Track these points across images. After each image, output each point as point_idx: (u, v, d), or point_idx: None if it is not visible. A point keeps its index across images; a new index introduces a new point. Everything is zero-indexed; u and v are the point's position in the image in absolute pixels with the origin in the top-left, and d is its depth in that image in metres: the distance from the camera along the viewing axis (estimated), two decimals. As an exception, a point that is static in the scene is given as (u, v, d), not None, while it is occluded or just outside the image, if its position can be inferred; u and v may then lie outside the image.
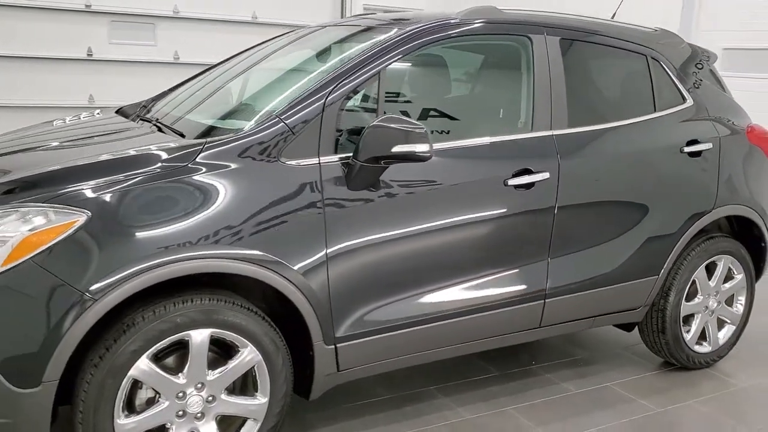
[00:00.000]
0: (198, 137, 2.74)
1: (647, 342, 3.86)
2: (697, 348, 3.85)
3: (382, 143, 2.66)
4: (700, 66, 3.83)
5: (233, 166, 2.60)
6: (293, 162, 2.68)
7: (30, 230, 2.32)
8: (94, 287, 2.33)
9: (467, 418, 3.28)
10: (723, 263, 3.83)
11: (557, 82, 3.26)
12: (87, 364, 2.42)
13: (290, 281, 2.63)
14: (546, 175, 3.15)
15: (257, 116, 2.78)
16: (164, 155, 2.59)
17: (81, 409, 2.41)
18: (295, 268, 2.64)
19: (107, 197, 2.41)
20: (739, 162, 3.81)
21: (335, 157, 2.75)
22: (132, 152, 2.64)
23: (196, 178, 2.54)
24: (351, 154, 2.74)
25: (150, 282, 2.41)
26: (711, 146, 3.69)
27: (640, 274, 3.55)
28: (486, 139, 3.07)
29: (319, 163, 2.72)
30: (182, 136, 2.85)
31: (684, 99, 3.72)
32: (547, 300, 3.28)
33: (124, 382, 2.44)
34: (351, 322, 2.81)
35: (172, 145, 2.66)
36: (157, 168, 2.52)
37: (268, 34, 9.23)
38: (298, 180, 2.67)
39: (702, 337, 3.88)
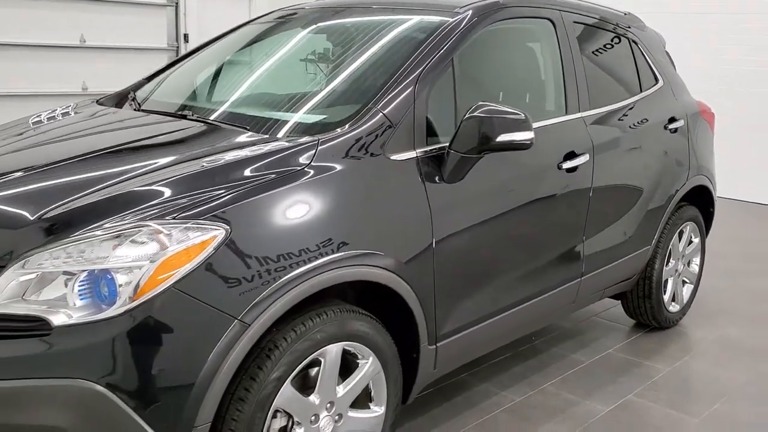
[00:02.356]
0: (283, 134, 2.48)
1: (631, 308, 4.12)
2: (670, 308, 4.19)
3: (484, 133, 2.56)
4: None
5: (343, 165, 2.39)
6: (395, 156, 2.52)
7: (163, 252, 1.97)
8: (245, 311, 2.04)
9: (518, 401, 3.32)
10: (689, 229, 4.20)
11: (578, 63, 3.36)
12: (228, 399, 2.11)
13: (406, 281, 2.48)
14: (587, 157, 3.24)
15: (351, 109, 2.56)
16: (277, 158, 2.31)
17: (229, 451, 2.11)
18: (409, 267, 2.49)
19: (238, 208, 2.11)
20: (699, 135, 4.17)
21: (429, 149, 2.62)
22: (233, 157, 2.32)
23: (315, 180, 2.29)
24: (443, 144, 2.64)
25: (297, 299, 2.16)
26: (683, 123, 4.00)
27: (640, 246, 3.78)
28: (544, 123, 3.09)
29: (417, 155, 2.58)
30: (246, 129, 2.58)
31: (657, 79, 3.99)
32: (582, 278, 3.39)
33: (269, 414, 2.17)
34: (451, 319, 2.72)
35: (285, 144, 2.38)
36: (272, 174, 2.25)
37: (92, 10, 8.41)
38: (402, 175, 2.52)
39: (672, 298, 4.23)
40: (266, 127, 2.58)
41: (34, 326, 1.94)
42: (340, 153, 2.40)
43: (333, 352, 2.31)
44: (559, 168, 3.11)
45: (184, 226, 2.02)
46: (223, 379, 2.02)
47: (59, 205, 2.08)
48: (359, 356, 2.42)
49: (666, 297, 4.12)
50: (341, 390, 2.38)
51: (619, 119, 3.57)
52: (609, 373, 3.66)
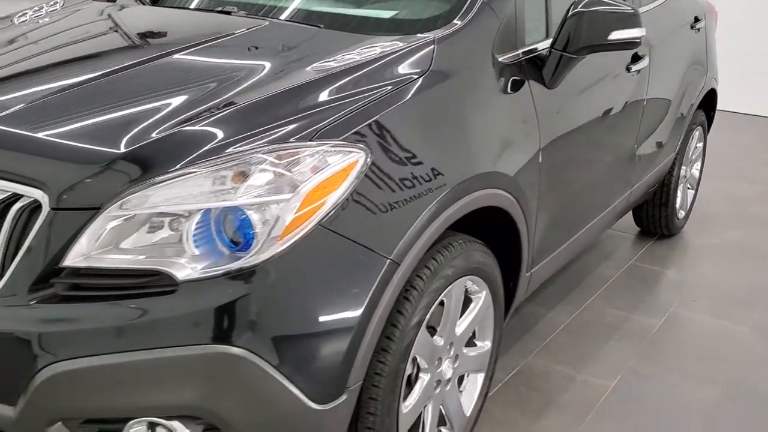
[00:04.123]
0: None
1: (645, 217, 4.01)
2: (679, 215, 4.13)
3: (594, 30, 2.26)
4: None
5: (461, 69, 2.04)
6: (502, 58, 2.18)
7: (303, 183, 1.58)
8: (396, 248, 1.70)
9: (569, 321, 3.16)
10: (697, 134, 4.10)
11: None
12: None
13: (517, 201, 2.19)
14: (647, 60, 3.01)
15: (446, 3, 2.19)
16: (391, 61, 1.92)
17: (372, 411, 1.80)
18: (518, 184, 2.19)
19: (371, 126, 1.74)
20: (712, 36, 4.03)
21: (528, 48, 2.30)
22: (342, 63, 1.91)
23: (439, 88, 1.94)
24: (540, 44, 2.33)
25: (440, 230, 1.84)
26: (704, 23, 3.83)
27: (668, 153, 3.64)
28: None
29: (521, 56, 2.25)
30: (319, 26, 2.17)
31: (677, -25, 3.77)
32: (633, 187, 3.22)
33: (408, 364, 1.87)
34: (546, 241, 2.48)
35: (398, 44, 1.98)
36: (390, 83, 1.86)
37: None
38: (511, 78, 2.19)
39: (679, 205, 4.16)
40: (354, 24, 2.18)
41: (144, 283, 1.53)
42: (457, 54, 2.05)
43: (458, 288, 2.02)
44: (628, 70, 2.87)
45: (322, 149, 1.63)
46: (376, 329, 1.69)
47: (160, 131, 1.64)
48: (472, 291, 2.14)
49: (677, 204, 4.05)
50: (459, 329, 2.10)
51: (660, 19, 3.34)
52: (642, 285, 3.57)
